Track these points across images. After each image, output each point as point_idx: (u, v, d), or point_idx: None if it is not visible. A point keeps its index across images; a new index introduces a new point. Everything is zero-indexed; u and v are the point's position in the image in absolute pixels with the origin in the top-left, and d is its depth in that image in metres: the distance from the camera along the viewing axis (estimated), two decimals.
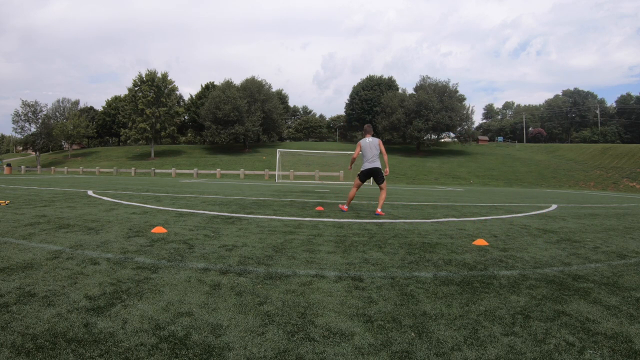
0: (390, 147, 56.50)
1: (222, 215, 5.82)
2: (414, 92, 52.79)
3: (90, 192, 9.96)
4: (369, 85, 60.54)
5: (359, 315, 2.00)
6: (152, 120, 50.85)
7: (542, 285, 2.63)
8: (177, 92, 56.23)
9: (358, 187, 6.93)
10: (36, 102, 55.94)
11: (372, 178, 6.81)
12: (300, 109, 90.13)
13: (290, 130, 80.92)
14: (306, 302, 2.17)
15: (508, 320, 1.99)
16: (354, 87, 62.90)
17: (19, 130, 56.67)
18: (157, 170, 38.75)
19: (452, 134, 55.98)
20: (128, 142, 59.61)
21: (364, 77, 76.14)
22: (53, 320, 1.79)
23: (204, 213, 6.05)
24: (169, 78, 52.58)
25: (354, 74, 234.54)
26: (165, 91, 52.09)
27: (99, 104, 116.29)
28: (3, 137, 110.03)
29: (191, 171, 37.39)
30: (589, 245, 4.21)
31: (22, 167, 43.09)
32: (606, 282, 2.75)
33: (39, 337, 1.61)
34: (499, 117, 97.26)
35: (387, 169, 6.72)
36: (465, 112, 50.22)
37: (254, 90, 52.40)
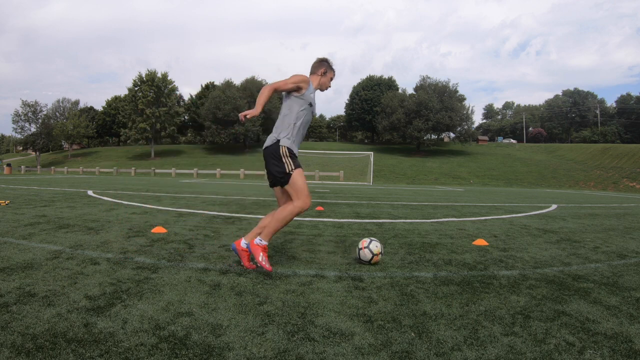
0: (390, 147, 56.54)
1: (222, 215, 5.82)
2: (414, 92, 52.75)
3: (90, 192, 9.96)
4: (369, 85, 60.51)
5: (359, 315, 2.00)
6: (152, 120, 50.86)
7: (542, 285, 2.63)
8: (177, 92, 56.30)
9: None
10: (36, 102, 56.10)
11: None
12: None
13: None
14: (306, 302, 2.17)
15: (508, 320, 1.99)
16: (354, 87, 62.88)
17: (19, 130, 56.83)
18: (157, 170, 38.74)
19: (452, 134, 55.94)
20: (128, 142, 59.65)
21: (364, 77, 76.33)
22: (53, 320, 1.78)
23: (204, 213, 6.05)
24: (168, 78, 52.65)
25: (353, 74, 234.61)
26: (165, 91, 52.14)
27: (99, 104, 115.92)
28: (3, 137, 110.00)
29: (191, 171, 37.39)
30: (589, 245, 4.21)
31: (22, 167, 43.09)
32: (606, 282, 2.75)
33: (39, 337, 1.61)
34: (499, 117, 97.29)
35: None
36: (465, 112, 50.21)
37: (254, 90, 52.40)
